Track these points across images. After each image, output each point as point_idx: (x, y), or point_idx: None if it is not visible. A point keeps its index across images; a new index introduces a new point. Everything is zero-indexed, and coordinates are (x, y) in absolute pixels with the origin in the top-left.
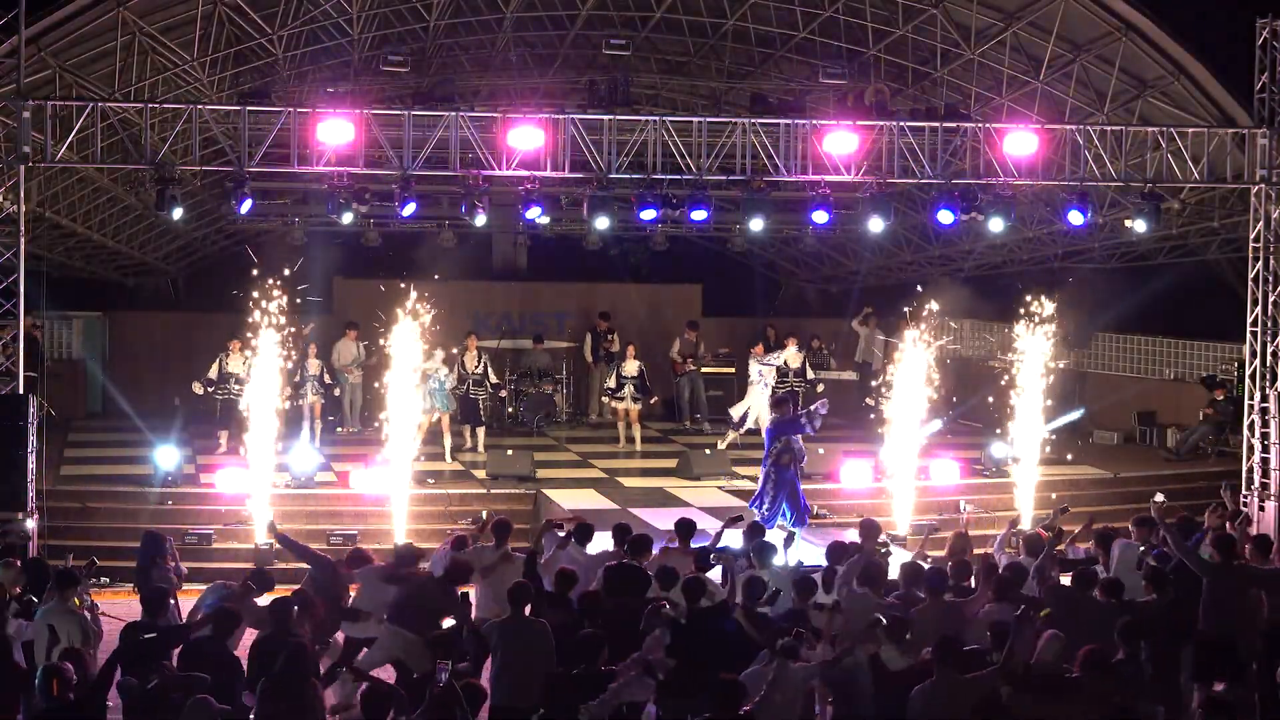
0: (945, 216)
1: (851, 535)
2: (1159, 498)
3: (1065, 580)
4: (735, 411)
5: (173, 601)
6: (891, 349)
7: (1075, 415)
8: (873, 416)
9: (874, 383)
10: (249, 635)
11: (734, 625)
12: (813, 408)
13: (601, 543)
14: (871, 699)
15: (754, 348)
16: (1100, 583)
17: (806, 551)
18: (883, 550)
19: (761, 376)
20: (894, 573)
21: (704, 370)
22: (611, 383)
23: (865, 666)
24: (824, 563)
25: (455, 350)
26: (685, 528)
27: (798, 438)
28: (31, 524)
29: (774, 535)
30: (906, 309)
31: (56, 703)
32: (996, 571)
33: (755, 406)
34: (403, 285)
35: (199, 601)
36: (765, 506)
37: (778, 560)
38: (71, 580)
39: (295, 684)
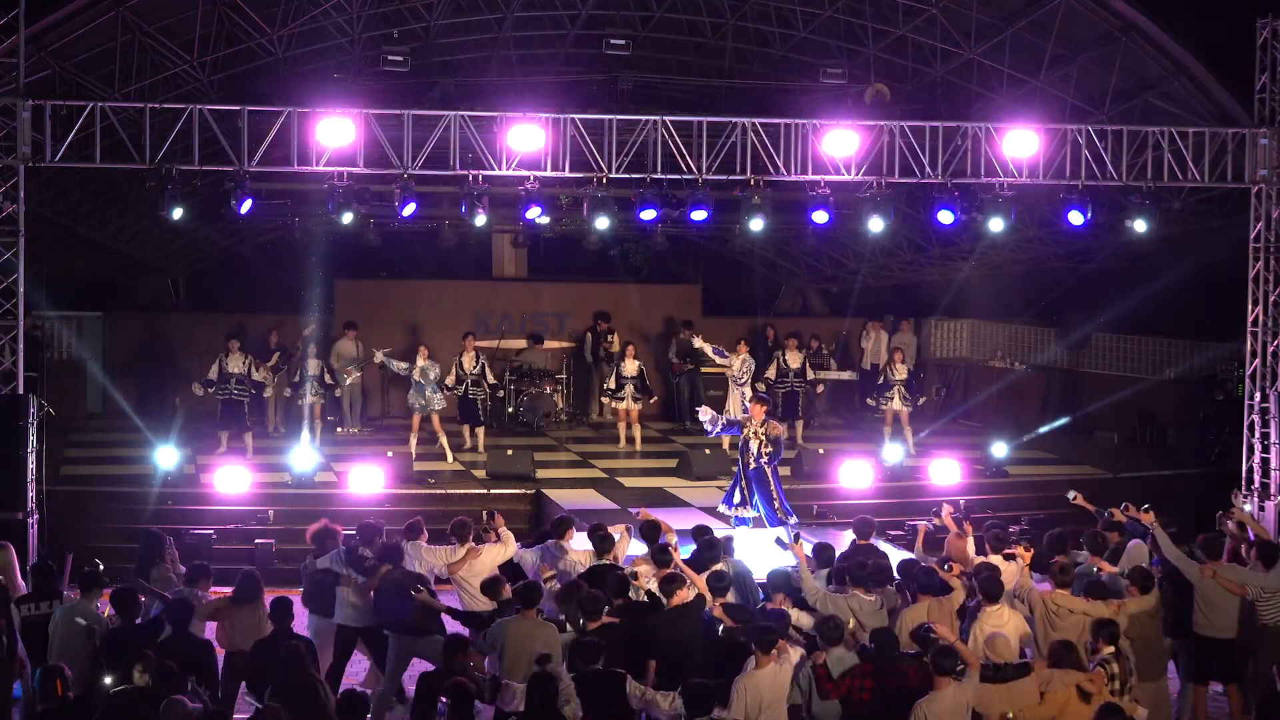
0: (945, 216)
1: (849, 535)
2: (1072, 494)
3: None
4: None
5: (143, 599)
6: (896, 352)
7: (1060, 422)
8: (876, 415)
9: (878, 382)
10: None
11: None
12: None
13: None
14: (808, 706)
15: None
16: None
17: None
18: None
19: (737, 379)
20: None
21: (703, 370)
22: (611, 383)
23: (809, 673)
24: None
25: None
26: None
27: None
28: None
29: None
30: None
31: (58, 702)
32: (979, 573)
33: (731, 406)
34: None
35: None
36: (734, 503)
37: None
38: (96, 582)
39: (303, 687)
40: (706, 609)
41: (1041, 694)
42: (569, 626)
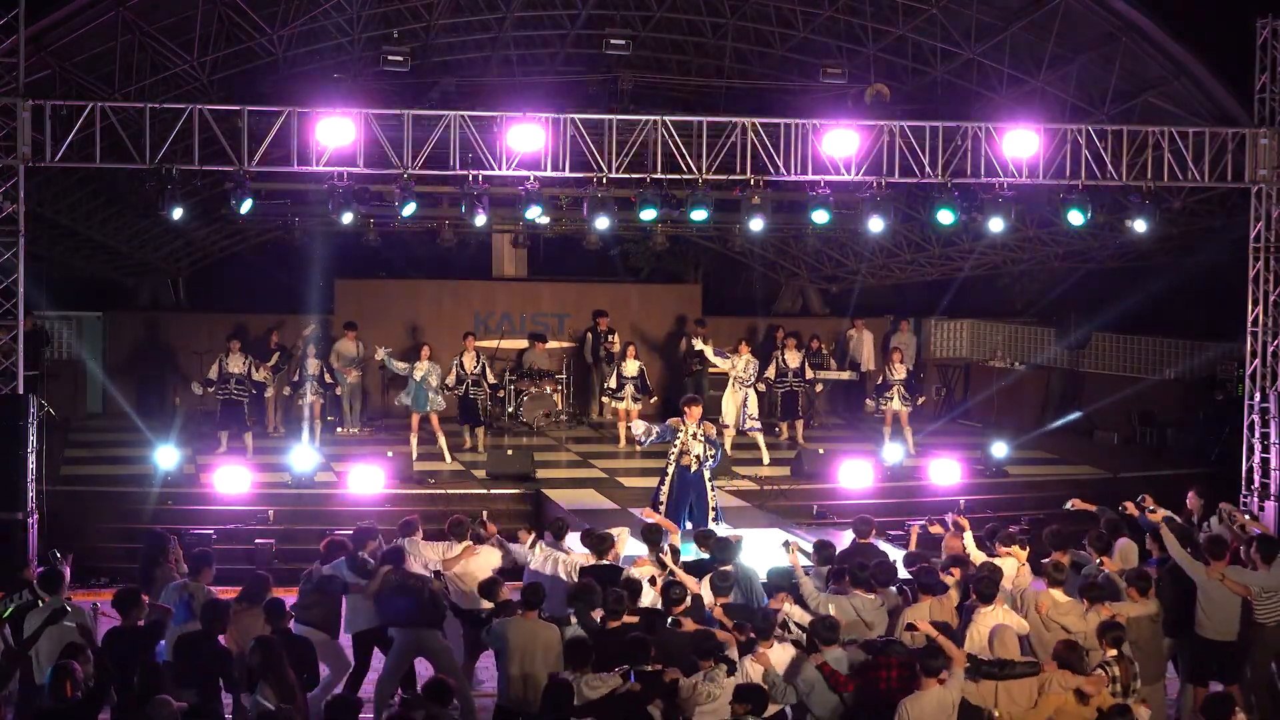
0: (945, 216)
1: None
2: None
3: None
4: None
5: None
6: (895, 352)
7: (1073, 416)
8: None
9: (876, 382)
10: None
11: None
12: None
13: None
14: (834, 707)
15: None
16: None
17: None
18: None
19: (744, 380)
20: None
21: (711, 371)
22: (612, 383)
23: (820, 678)
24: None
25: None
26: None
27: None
28: None
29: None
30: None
31: (67, 703)
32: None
33: (745, 404)
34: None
35: (163, 600)
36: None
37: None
38: (59, 579)
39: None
40: (707, 610)
41: (1039, 694)
42: (573, 622)
